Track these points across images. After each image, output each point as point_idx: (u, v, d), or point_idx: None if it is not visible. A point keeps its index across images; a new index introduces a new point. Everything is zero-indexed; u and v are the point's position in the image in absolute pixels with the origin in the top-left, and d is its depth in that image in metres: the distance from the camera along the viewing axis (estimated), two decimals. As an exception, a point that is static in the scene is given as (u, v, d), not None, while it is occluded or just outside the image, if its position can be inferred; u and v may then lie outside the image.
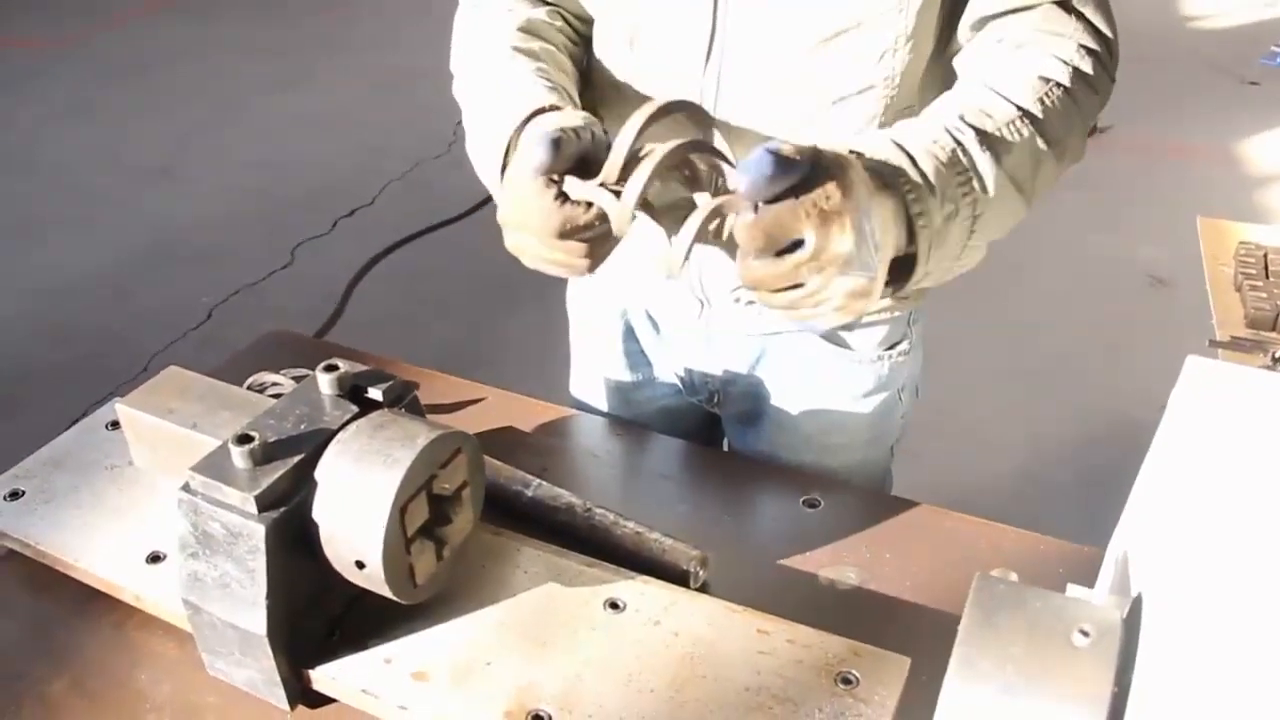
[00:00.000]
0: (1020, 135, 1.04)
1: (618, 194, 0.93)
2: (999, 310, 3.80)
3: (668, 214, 0.96)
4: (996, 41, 1.14)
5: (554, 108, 1.09)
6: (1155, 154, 4.98)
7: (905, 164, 0.97)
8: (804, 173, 0.87)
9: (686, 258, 0.92)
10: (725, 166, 0.96)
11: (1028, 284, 4.03)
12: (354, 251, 4.35)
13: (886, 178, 0.96)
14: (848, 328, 1.38)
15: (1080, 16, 1.11)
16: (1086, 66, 1.10)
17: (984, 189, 1.02)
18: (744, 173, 0.86)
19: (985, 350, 3.59)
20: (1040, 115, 1.06)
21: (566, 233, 0.96)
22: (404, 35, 6.49)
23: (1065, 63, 1.09)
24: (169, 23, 7.05)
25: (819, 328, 0.93)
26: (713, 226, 0.93)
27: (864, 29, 1.11)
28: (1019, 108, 1.05)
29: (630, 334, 1.52)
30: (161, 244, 4.46)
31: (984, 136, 1.03)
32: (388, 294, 4.14)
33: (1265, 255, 2.17)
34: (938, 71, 1.20)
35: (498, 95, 1.14)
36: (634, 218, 0.93)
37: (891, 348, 1.41)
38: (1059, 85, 1.08)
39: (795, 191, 0.87)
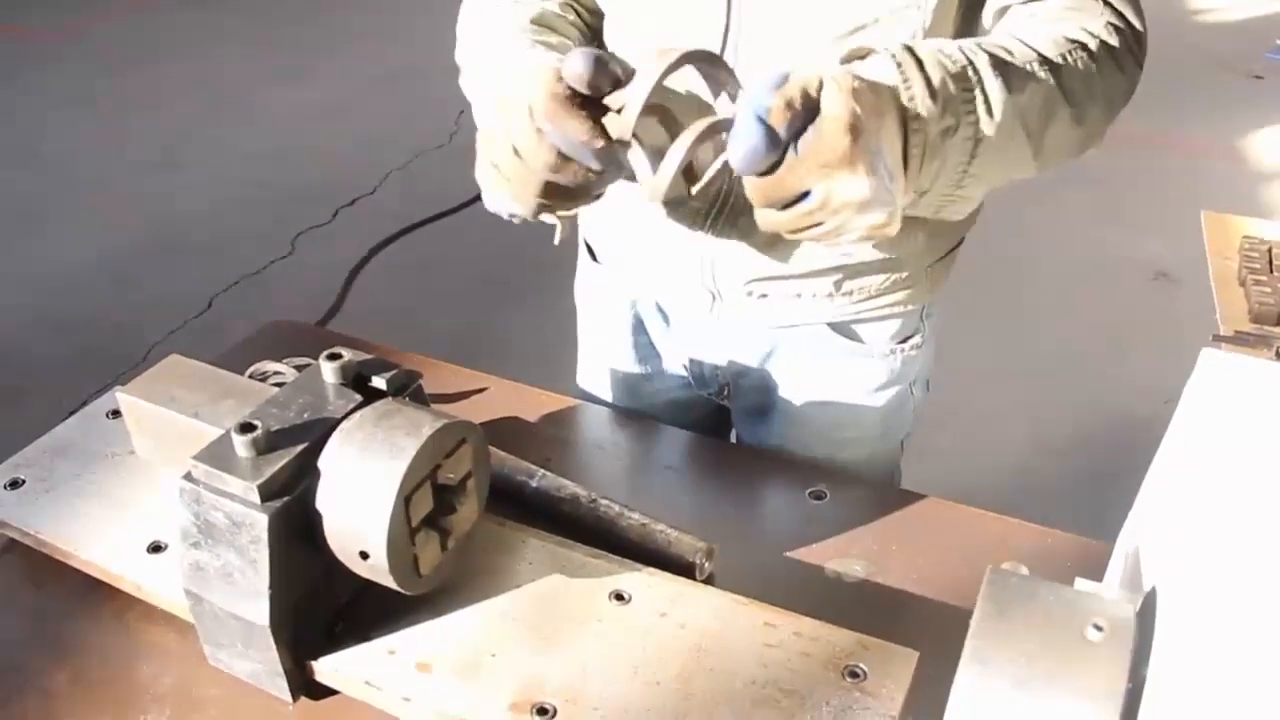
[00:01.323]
0: (1035, 76, 1.03)
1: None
2: (1004, 305, 3.80)
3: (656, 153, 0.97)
4: (1029, 17, 1.13)
5: None
6: (1160, 149, 4.97)
7: (912, 70, 0.96)
8: (795, 130, 0.87)
9: (672, 182, 0.93)
10: (723, 110, 0.95)
11: (1033, 279, 4.03)
12: (355, 241, 4.37)
13: (887, 96, 0.94)
14: (860, 322, 1.37)
15: (1107, 4, 1.11)
16: (1114, 40, 1.09)
17: (989, 111, 1.00)
18: (736, 146, 0.87)
19: (990, 344, 3.59)
20: (1060, 65, 1.05)
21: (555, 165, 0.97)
22: (405, 26, 6.48)
23: (1092, 34, 1.08)
24: (170, 13, 7.04)
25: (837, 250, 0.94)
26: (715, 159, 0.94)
27: (880, 25, 1.10)
28: (1039, 53, 1.04)
29: (640, 326, 1.51)
30: (163, 234, 4.45)
31: (998, 63, 1.01)
32: (388, 284, 4.15)
33: (1270, 250, 2.16)
34: None
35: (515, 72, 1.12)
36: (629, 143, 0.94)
37: (904, 341, 1.41)
38: (1084, 47, 1.07)
39: (795, 139, 0.87)
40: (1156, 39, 1.17)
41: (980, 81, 0.99)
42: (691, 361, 1.49)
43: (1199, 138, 5.18)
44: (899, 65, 0.95)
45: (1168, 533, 0.74)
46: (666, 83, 0.94)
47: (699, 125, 0.92)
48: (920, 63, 0.96)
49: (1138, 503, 0.84)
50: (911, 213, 1.06)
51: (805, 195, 0.90)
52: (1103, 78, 1.08)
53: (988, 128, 1.00)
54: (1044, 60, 1.04)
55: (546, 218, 1.06)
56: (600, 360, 1.59)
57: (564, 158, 0.97)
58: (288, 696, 1.00)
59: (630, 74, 0.95)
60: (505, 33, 1.19)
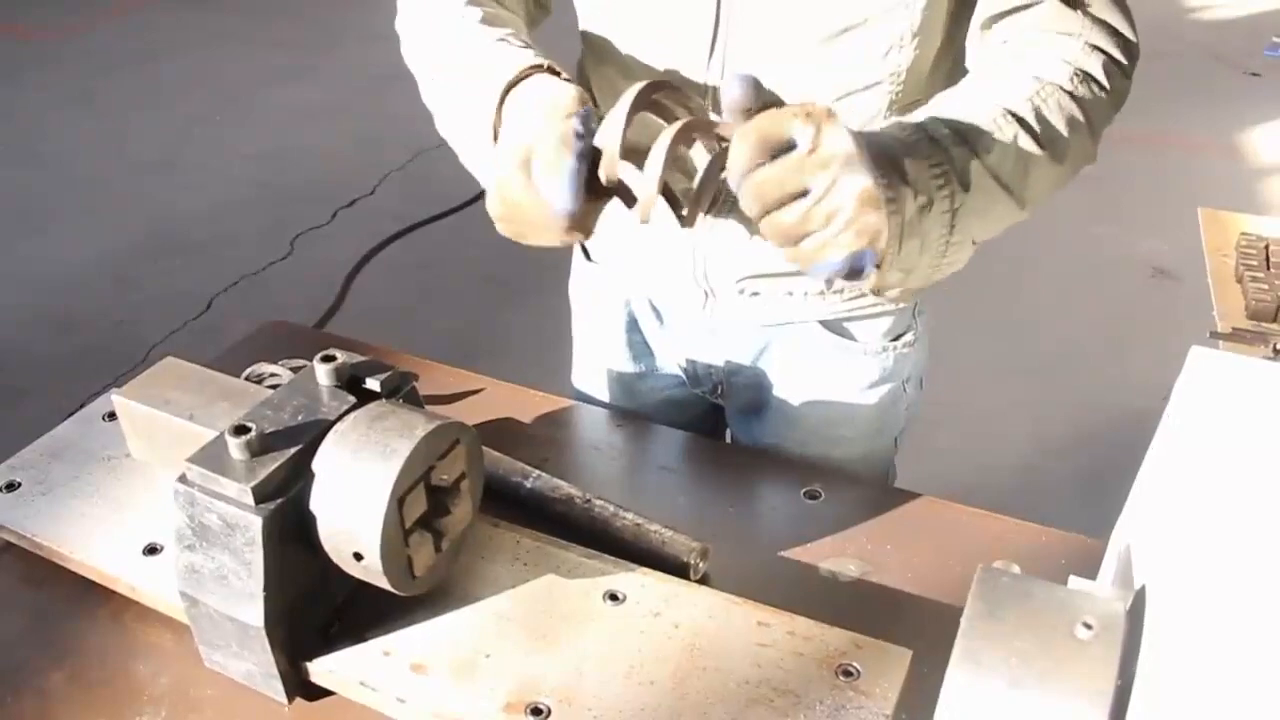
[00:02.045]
0: (1002, 132, 1.02)
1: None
2: (1001, 302, 3.80)
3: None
4: (1002, 43, 1.13)
5: (542, 68, 1.06)
6: (1157, 146, 4.97)
7: (880, 153, 0.96)
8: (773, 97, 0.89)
9: (659, 191, 0.92)
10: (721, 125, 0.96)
11: (1030, 276, 4.03)
12: (353, 242, 4.37)
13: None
14: (852, 320, 1.37)
15: (1086, 13, 1.09)
16: (1092, 65, 1.08)
17: (962, 184, 1.00)
18: (730, 84, 0.89)
19: (987, 342, 3.59)
20: (1028, 115, 1.04)
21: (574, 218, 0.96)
22: (404, 26, 6.47)
23: (1068, 63, 1.08)
24: (170, 13, 7.04)
25: (834, 263, 0.89)
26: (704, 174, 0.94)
27: (870, 25, 1.10)
28: (1005, 108, 1.04)
29: (634, 325, 1.52)
30: (162, 234, 4.46)
31: (960, 133, 1.01)
32: (387, 284, 4.15)
33: (1266, 246, 2.17)
34: (945, 67, 1.19)
35: (474, 61, 1.10)
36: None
37: (897, 339, 1.41)
38: (1054, 85, 1.06)
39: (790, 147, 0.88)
40: (1154, 36, 1.17)
41: (948, 156, 1.00)
42: (685, 360, 1.49)
43: (1196, 135, 5.18)
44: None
45: (1158, 530, 0.74)
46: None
47: (670, 130, 0.92)
48: (885, 151, 0.97)
49: (1129, 501, 0.84)
50: (902, 288, 1.05)
51: (803, 195, 0.89)
52: (1082, 109, 1.07)
53: (962, 199, 1.00)
54: (1009, 114, 1.04)
55: None
56: (595, 359, 1.59)
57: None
58: (283, 698, 1.00)
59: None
60: (450, 6, 1.17)
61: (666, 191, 0.95)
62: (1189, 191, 4.32)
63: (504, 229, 1.01)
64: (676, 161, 0.93)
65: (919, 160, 0.98)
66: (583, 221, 0.97)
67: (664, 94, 0.97)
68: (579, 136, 0.93)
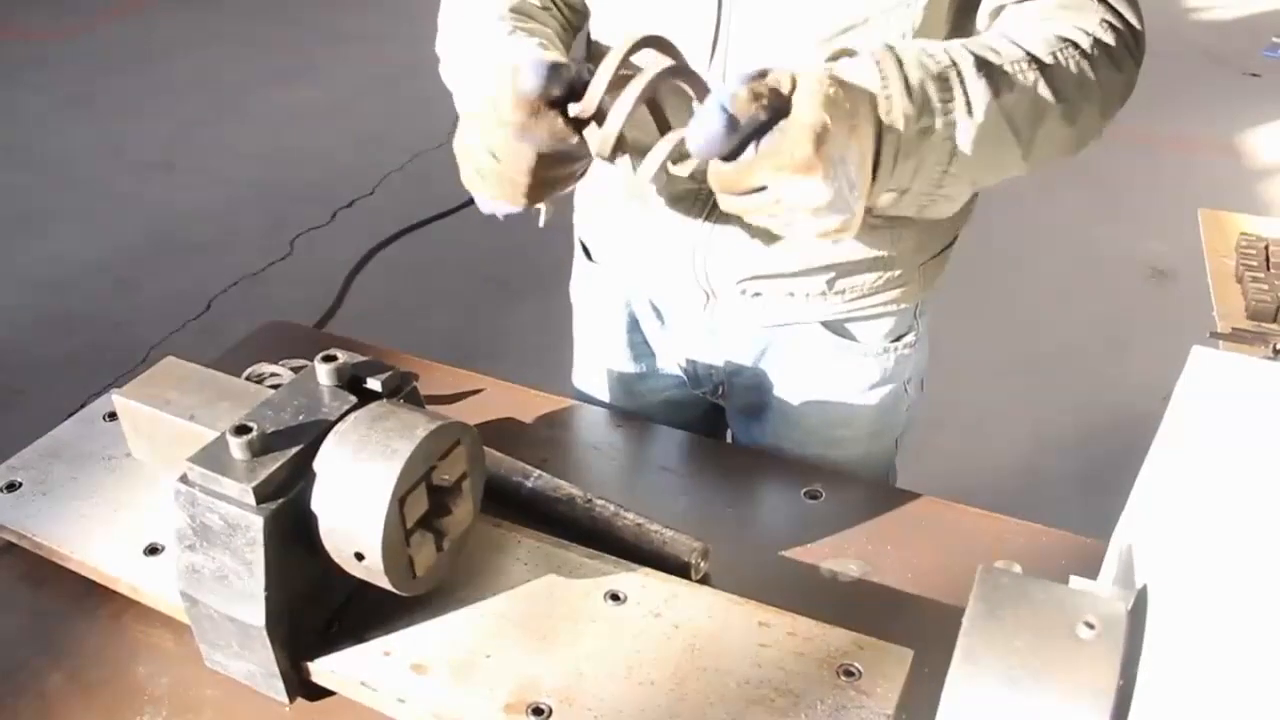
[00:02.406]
0: (1023, 75, 1.02)
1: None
2: (1000, 302, 3.80)
3: (640, 154, 0.97)
4: (1018, 16, 1.12)
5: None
6: (1156, 146, 4.97)
7: (892, 70, 0.95)
8: (758, 123, 0.87)
9: (651, 181, 0.93)
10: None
11: (1029, 276, 4.03)
12: (353, 242, 4.37)
13: (864, 101, 0.94)
14: (853, 320, 1.37)
15: (1104, 1, 1.10)
16: (1109, 39, 1.08)
17: (969, 111, 0.99)
18: (695, 130, 0.87)
19: (987, 342, 3.59)
20: (1050, 64, 1.04)
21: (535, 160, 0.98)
22: (403, 27, 6.44)
23: (1087, 32, 1.07)
24: (170, 14, 7.03)
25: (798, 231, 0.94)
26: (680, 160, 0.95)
27: (870, 25, 1.10)
28: (1028, 52, 1.03)
29: (635, 325, 1.52)
30: (162, 235, 4.45)
31: (983, 64, 1.00)
32: (387, 285, 4.15)
33: (1266, 247, 2.16)
34: None
35: (492, 61, 1.13)
36: (616, 148, 0.94)
37: (898, 340, 1.41)
38: (1075, 46, 1.06)
39: (758, 135, 0.88)
40: (1153, 36, 1.17)
41: (962, 82, 0.98)
42: (686, 360, 1.49)
43: (1196, 135, 5.18)
44: (879, 64, 0.95)
45: (1159, 530, 0.74)
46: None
47: (674, 136, 0.92)
48: (900, 63, 0.96)
49: (1130, 501, 0.84)
50: (893, 211, 1.05)
51: (762, 189, 0.90)
52: (1097, 76, 1.07)
53: (967, 129, 0.99)
54: (1032, 59, 1.03)
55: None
56: (596, 359, 1.59)
57: (542, 154, 0.99)
58: (284, 697, 1.00)
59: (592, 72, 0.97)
60: (483, 21, 1.19)
61: (629, 144, 0.96)
62: (1188, 192, 4.32)
63: (468, 176, 1.02)
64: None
65: (933, 81, 0.97)
66: (539, 181, 1.01)
67: (661, 50, 0.97)
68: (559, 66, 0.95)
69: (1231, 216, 2.37)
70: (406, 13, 6.53)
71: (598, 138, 0.95)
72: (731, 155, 0.89)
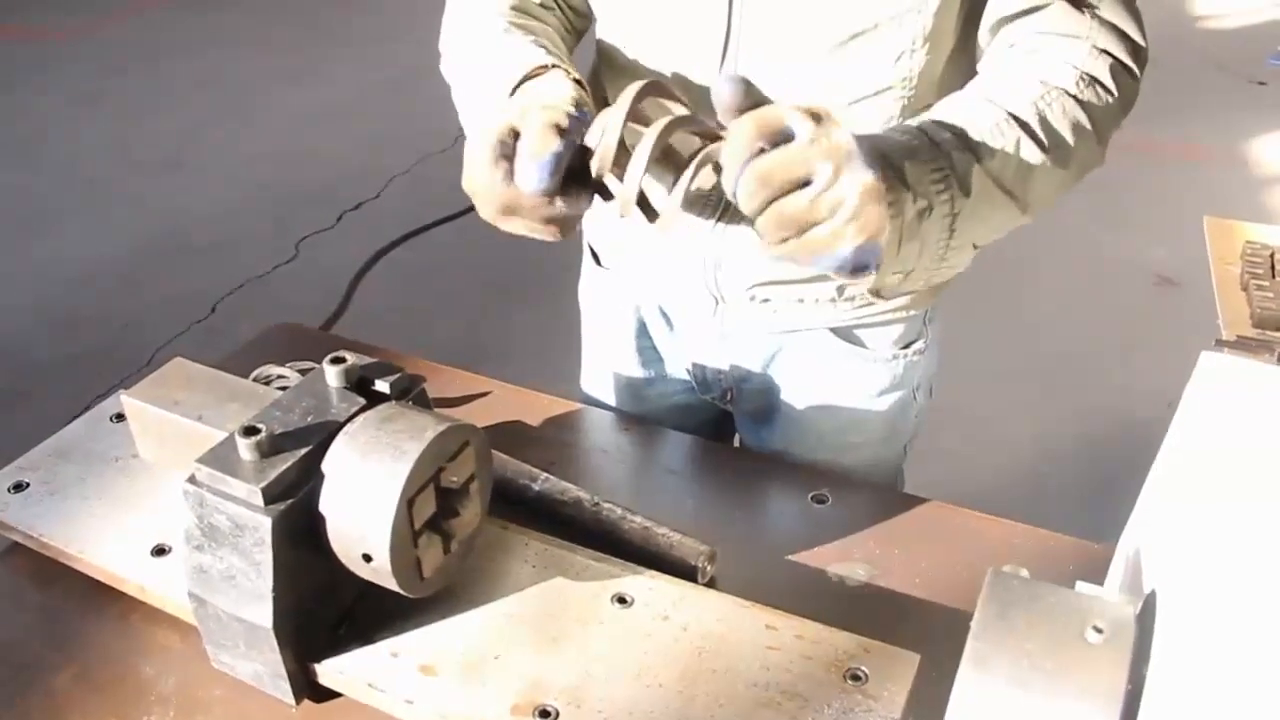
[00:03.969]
0: (1005, 137, 1.02)
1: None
2: (1006, 309, 3.80)
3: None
4: (1009, 47, 1.12)
5: (553, 66, 1.07)
6: (1162, 154, 4.97)
7: (880, 156, 0.95)
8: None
9: (680, 209, 0.92)
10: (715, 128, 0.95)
11: (1035, 283, 4.03)
12: (359, 245, 4.38)
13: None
14: (863, 327, 1.37)
15: (1095, 15, 1.09)
16: (1099, 69, 1.08)
17: (963, 188, 0.99)
18: (718, 95, 0.87)
19: (992, 348, 3.59)
20: (1031, 120, 1.03)
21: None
22: (410, 30, 6.45)
23: (1075, 67, 1.07)
24: (177, 15, 7.05)
25: (840, 256, 0.87)
26: (704, 178, 0.92)
27: (880, 31, 1.10)
28: (1008, 112, 1.03)
29: (643, 330, 1.52)
30: (168, 236, 4.46)
31: (962, 137, 1.01)
32: (392, 288, 4.15)
33: (1272, 255, 2.16)
34: (957, 73, 1.18)
35: (491, 61, 1.12)
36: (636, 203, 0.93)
37: (907, 346, 1.41)
38: (1059, 89, 1.06)
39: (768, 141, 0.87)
40: (1159, 45, 1.17)
41: (949, 161, 0.99)
42: (694, 366, 1.49)
43: (1201, 143, 5.18)
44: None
45: (1167, 536, 0.74)
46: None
47: (659, 124, 0.91)
48: (886, 156, 0.96)
49: (1138, 506, 0.84)
50: (902, 289, 1.05)
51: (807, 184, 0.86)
52: (1088, 114, 1.07)
53: (962, 204, 1.00)
54: (1012, 118, 1.03)
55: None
56: (604, 364, 1.59)
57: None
58: (291, 699, 1.00)
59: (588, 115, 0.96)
60: (482, 18, 1.19)
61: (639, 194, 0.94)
62: (1194, 200, 4.32)
63: (481, 209, 1.00)
64: (667, 156, 0.93)
65: (919, 164, 0.97)
66: (562, 219, 0.98)
67: (663, 96, 0.97)
68: (565, 128, 0.93)
69: (1237, 224, 2.36)
70: (413, 16, 6.54)
71: (618, 204, 0.93)
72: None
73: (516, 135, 0.94)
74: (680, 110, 0.95)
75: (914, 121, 1.03)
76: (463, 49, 1.20)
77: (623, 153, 0.93)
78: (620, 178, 0.93)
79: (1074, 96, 1.06)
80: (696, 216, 1.26)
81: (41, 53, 6.44)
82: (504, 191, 0.95)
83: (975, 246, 1.08)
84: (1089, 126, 1.07)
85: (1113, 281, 4.09)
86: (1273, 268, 2.12)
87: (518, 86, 1.06)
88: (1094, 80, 1.08)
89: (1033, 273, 4.02)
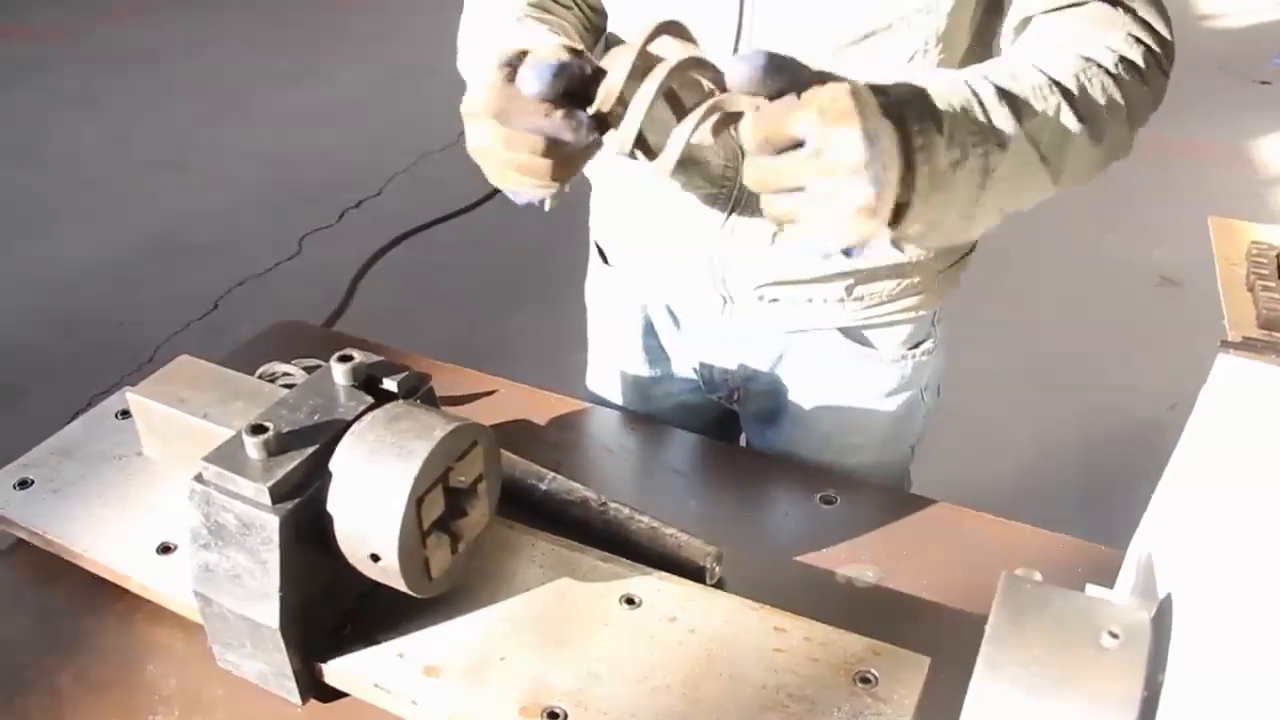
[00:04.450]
0: (1046, 101, 1.00)
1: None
2: (1010, 309, 3.80)
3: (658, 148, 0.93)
4: (1039, 38, 1.11)
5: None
6: (1167, 154, 4.96)
7: (918, 102, 0.93)
8: (805, 76, 0.84)
9: (678, 157, 0.89)
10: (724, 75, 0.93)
11: (1039, 283, 4.03)
12: (360, 243, 4.37)
13: (894, 109, 0.90)
14: (871, 327, 1.36)
15: (1130, 12, 1.08)
16: (1135, 55, 1.07)
17: (1000, 143, 0.97)
18: (738, 64, 0.83)
19: (996, 349, 3.58)
20: (1073, 89, 1.02)
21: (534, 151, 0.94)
22: (410, 28, 6.49)
23: (1111, 49, 1.06)
24: (175, 14, 7.04)
25: (823, 248, 0.88)
26: (711, 123, 0.90)
27: (893, 31, 1.09)
28: (1050, 77, 1.02)
29: (650, 329, 1.51)
30: (168, 235, 4.46)
31: (1005, 94, 0.98)
32: (393, 286, 4.15)
33: (1278, 255, 2.16)
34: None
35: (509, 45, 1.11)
36: (637, 144, 0.91)
37: (915, 347, 1.40)
38: (1099, 66, 1.04)
39: (797, 93, 0.84)
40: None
41: (988, 116, 0.97)
42: (701, 365, 1.49)
43: (1206, 143, 5.18)
44: (907, 99, 0.93)
45: (1183, 539, 0.73)
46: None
47: (704, 105, 0.89)
48: (927, 95, 0.94)
49: (1150, 509, 0.84)
50: (922, 243, 1.03)
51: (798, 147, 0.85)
52: (1123, 94, 1.06)
53: (996, 159, 0.97)
54: (1054, 84, 1.01)
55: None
56: (610, 363, 1.59)
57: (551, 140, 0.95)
58: (296, 699, 1.00)
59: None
60: (499, 12, 1.18)
61: (640, 138, 0.92)
62: (1198, 200, 4.32)
63: (475, 134, 0.98)
64: (674, 100, 0.92)
65: (959, 114, 0.95)
66: (559, 153, 0.96)
67: (678, 36, 0.93)
68: (575, 49, 0.92)
69: (1242, 225, 2.36)
70: (413, 14, 6.57)
71: (617, 136, 0.91)
72: (770, 96, 0.85)
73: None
74: (694, 52, 0.92)
75: (960, 72, 1.01)
76: (479, 41, 1.20)
77: (632, 89, 0.90)
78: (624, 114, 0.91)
79: (1112, 76, 1.05)
80: (703, 218, 1.25)
81: (39, 53, 6.43)
82: (502, 90, 0.92)
83: (1002, 213, 1.06)
84: (1123, 106, 1.06)
85: (1115, 282, 4.09)
86: (1278, 268, 2.12)
87: None
88: (1131, 65, 1.07)
89: (1035, 273, 4.02)
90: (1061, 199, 1.09)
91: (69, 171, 5.01)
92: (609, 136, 0.94)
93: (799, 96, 0.84)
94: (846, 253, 0.90)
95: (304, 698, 1.00)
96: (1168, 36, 1.11)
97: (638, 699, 0.95)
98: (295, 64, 6.23)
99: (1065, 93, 1.02)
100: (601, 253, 1.52)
